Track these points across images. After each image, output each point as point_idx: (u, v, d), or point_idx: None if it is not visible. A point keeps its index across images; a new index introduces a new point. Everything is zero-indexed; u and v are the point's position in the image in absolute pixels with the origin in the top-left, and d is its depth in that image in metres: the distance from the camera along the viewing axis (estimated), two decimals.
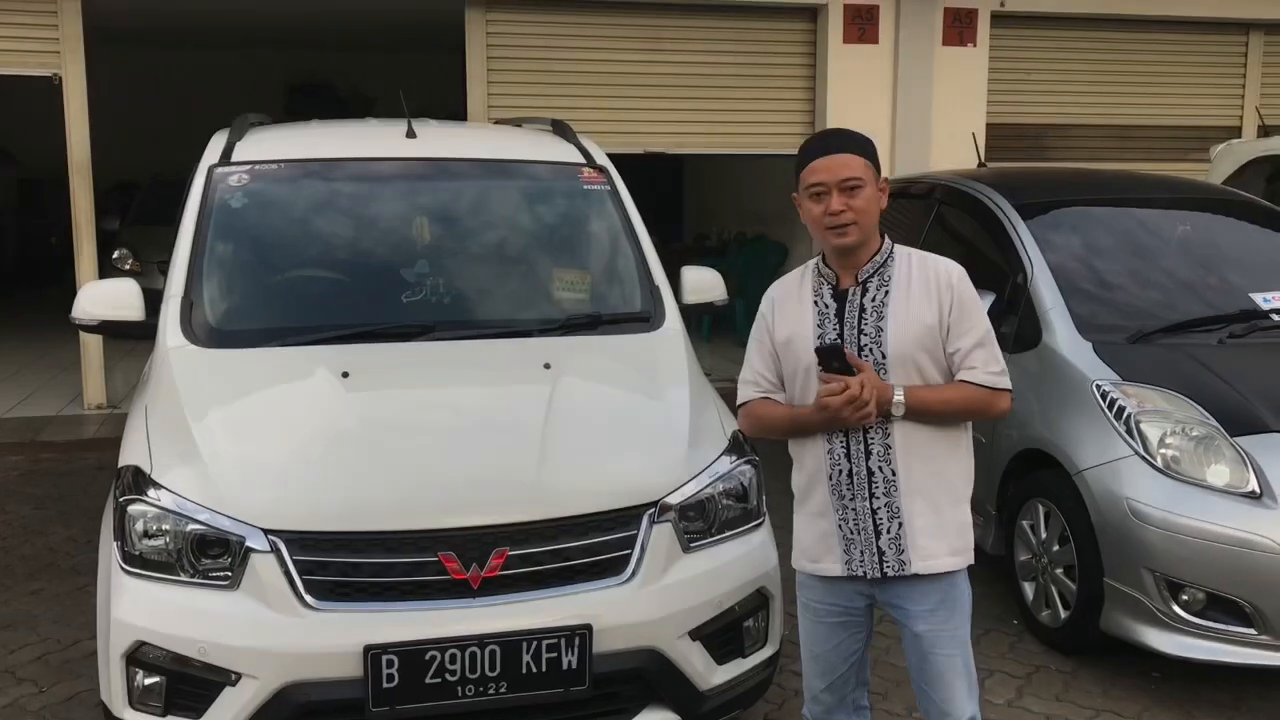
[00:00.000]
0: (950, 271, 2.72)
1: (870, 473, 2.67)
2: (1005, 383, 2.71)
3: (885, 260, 2.73)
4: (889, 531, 2.68)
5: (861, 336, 2.68)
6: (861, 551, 2.70)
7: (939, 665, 2.73)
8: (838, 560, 2.74)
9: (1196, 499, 3.88)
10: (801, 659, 2.95)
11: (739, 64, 9.07)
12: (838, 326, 2.71)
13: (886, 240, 2.77)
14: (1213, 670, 3.99)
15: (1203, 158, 8.73)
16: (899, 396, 2.61)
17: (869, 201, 2.67)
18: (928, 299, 2.68)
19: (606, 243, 4.37)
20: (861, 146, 2.71)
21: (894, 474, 2.66)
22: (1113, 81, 9.97)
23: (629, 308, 4.16)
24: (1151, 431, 4.04)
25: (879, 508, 2.67)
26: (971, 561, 2.76)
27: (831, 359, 2.63)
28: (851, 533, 2.71)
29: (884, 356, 2.66)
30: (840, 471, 2.70)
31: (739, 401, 2.89)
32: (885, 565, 2.69)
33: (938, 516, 2.69)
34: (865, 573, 2.71)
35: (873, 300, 2.70)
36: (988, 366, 2.68)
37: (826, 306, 2.74)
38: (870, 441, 2.66)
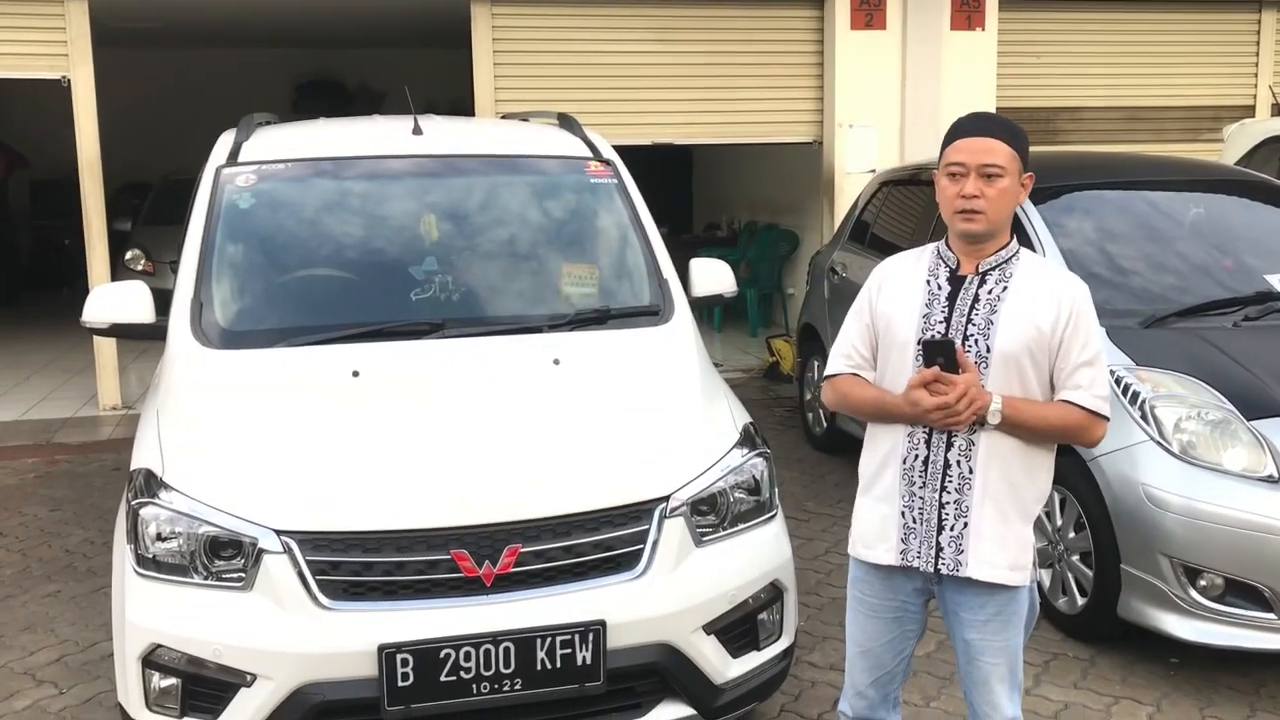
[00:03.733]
0: (1075, 285, 2.63)
1: (947, 464, 2.58)
2: (1107, 410, 2.59)
3: (1010, 257, 2.64)
4: (952, 529, 2.59)
5: (970, 326, 2.58)
6: (920, 542, 2.62)
7: (984, 671, 2.68)
8: (893, 548, 2.66)
9: (1213, 484, 3.85)
10: (847, 654, 2.87)
11: (746, 53, 9.04)
12: (947, 311, 2.61)
13: (1015, 240, 2.68)
14: (1232, 656, 3.98)
15: (1216, 138, 8.67)
16: (996, 405, 2.51)
17: (1005, 193, 2.58)
18: (1046, 304, 2.57)
19: (614, 236, 4.36)
20: (1012, 136, 2.61)
21: (971, 472, 2.57)
22: (1123, 62, 9.89)
23: (638, 302, 4.14)
24: (1167, 416, 4.01)
25: (948, 502, 2.59)
26: (1028, 582, 2.66)
27: (937, 355, 2.49)
28: (914, 522, 2.63)
29: (988, 351, 2.56)
30: (916, 457, 2.61)
31: (828, 373, 2.80)
32: (941, 561, 2.61)
33: (1004, 527, 2.59)
34: (920, 565, 2.63)
35: (989, 292, 2.60)
36: (1093, 388, 2.56)
37: (939, 289, 2.64)
38: (953, 434, 2.57)
